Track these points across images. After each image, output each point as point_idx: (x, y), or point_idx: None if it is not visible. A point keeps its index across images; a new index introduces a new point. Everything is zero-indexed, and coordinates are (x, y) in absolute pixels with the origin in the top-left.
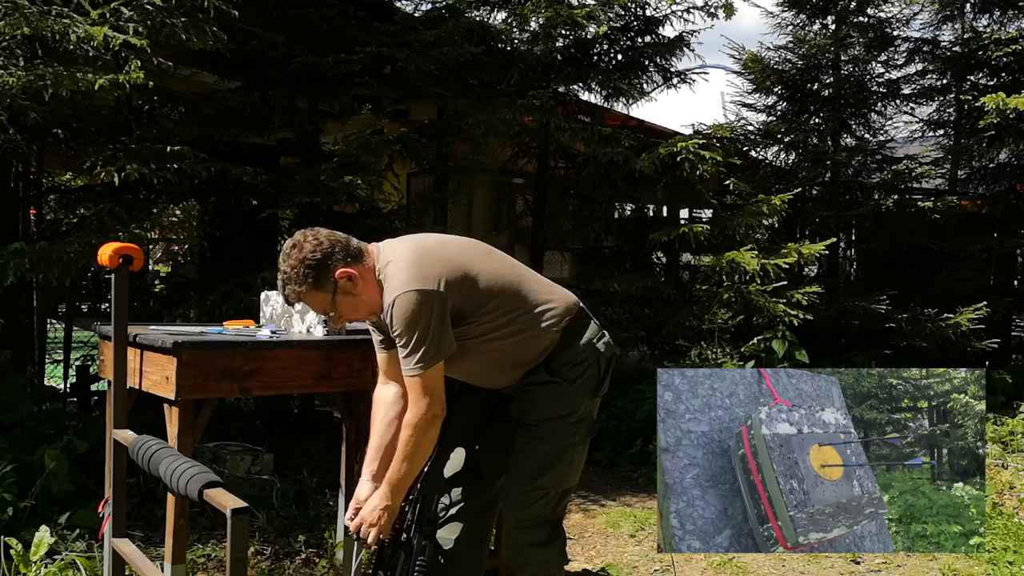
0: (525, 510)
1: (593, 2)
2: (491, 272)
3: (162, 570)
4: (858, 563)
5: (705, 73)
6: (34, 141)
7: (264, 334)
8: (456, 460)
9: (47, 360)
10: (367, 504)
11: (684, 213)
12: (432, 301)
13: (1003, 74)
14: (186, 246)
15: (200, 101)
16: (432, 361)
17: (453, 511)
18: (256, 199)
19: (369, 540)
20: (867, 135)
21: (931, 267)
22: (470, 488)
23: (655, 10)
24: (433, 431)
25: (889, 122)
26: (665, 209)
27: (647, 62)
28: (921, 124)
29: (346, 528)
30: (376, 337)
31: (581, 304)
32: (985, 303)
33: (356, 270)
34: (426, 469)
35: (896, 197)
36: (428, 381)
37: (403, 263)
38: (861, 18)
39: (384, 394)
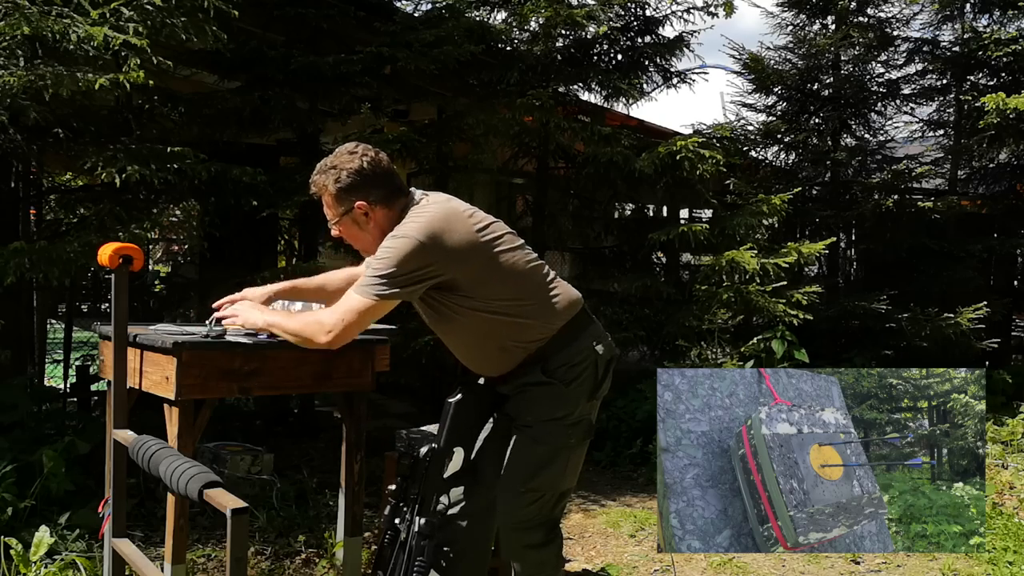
0: (520, 511)
1: (593, 2)
2: (509, 254)
3: (162, 570)
4: (858, 563)
5: (705, 73)
6: (34, 141)
7: (264, 334)
8: (456, 461)
9: (47, 360)
10: (254, 312)
11: (684, 213)
12: (421, 253)
13: (1003, 74)
14: (186, 246)
15: (200, 101)
16: (383, 290)
17: (454, 511)
18: (256, 199)
19: (224, 323)
20: (867, 135)
21: (931, 267)
22: (470, 489)
23: (655, 10)
24: (308, 345)
25: (889, 122)
26: (665, 209)
27: (647, 62)
28: (921, 124)
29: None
30: None
31: (584, 304)
32: (985, 303)
33: (377, 212)
34: (426, 469)
35: (896, 197)
36: (361, 310)
37: (424, 213)
38: (861, 18)
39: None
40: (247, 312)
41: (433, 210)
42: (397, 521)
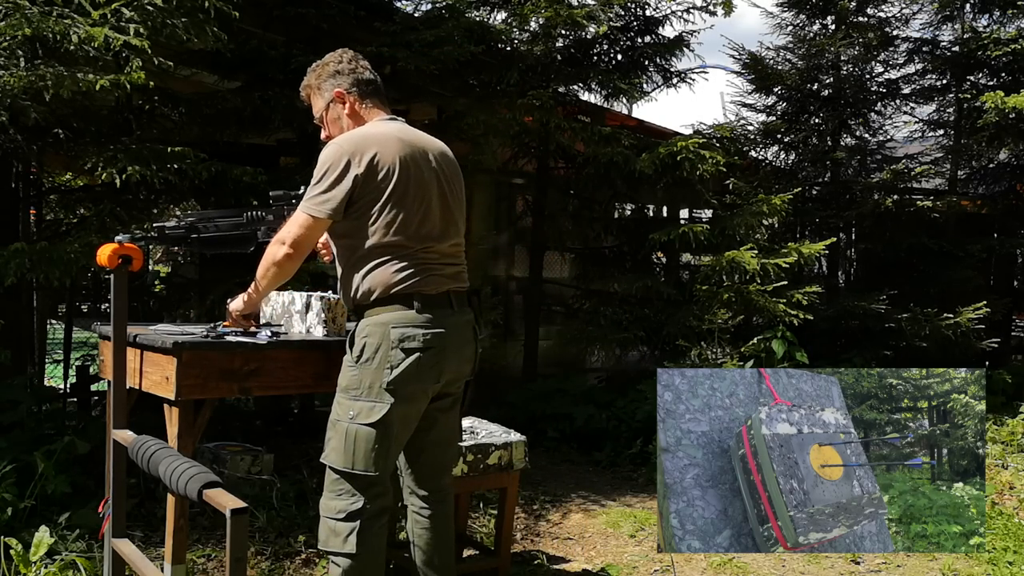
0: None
1: (593, 2)
2: (414, 207)
3: (162, 570)
4: (858, 563)
5: (705, 73)
6: (34, 141)
7: (264, 334)
8: None
9: (47, 360)
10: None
11: (684, 213)
12: (348, 163)
13: (1003, 74)
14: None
15: (200, 101)
16: (318, 208)
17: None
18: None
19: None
20: (867, 135)
21: (931, 267)
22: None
23: (655, 10)
24: (287, 267)
25: (889, 122)
26: (665, 209)
27: (647, 62)
28: (921, 124)
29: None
30: None
31: (455, 298)
32: (985, 303)
33: (350, 101)
34: None
35: (896, 197)
36: (308, 223)
37: (359, 129)
38: (861, 18)
39: None
40: (234, 305)
41: (371, 124)
42: None
